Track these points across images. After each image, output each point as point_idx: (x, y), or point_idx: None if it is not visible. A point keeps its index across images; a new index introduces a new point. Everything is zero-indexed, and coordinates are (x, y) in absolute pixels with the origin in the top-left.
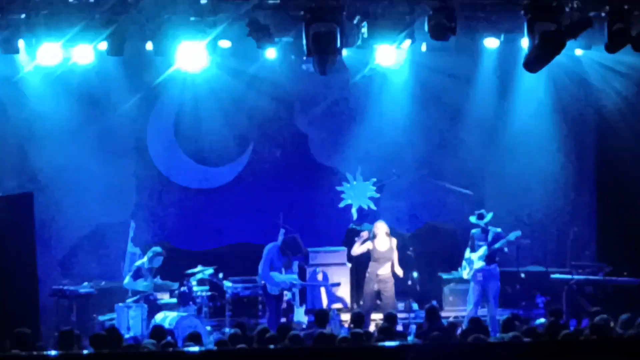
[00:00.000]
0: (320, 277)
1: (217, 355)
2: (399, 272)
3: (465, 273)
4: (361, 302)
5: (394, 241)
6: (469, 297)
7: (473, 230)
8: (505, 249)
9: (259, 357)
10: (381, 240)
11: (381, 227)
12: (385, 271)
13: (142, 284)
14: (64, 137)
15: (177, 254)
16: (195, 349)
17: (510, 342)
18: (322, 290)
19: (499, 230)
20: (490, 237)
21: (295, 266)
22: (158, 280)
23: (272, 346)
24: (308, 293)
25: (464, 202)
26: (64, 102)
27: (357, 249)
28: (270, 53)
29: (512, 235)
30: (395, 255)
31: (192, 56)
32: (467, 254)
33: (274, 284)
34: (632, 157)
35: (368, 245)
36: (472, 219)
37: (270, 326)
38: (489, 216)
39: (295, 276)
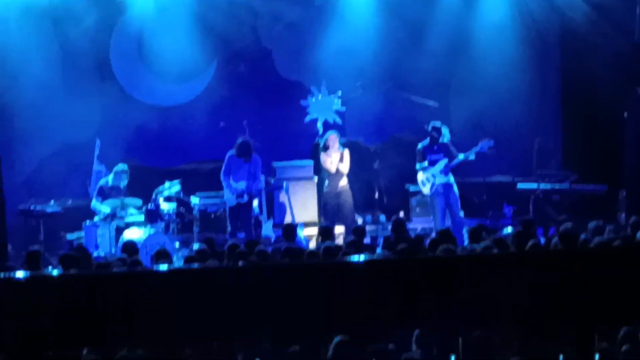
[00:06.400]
0: (285, 186)
1: (185, 273)
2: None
3: (427, 189)
4: (321, 217)
5: (347, 152)
6: (434, 212)
7: (420, 145)
8: (472, 157)
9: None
10: (335, 152)
11: (334, 139)
12: (344, 183)
13: (108, 204)
14: (25, 56)
15: (144, 171)
16: (164, 266)
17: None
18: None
19: (446, 140)
20: (441, 150)
21: (263, 182)
22: (124, 198)
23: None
24: (275, 207)
25: (429, 114)
26: (24, 21)
27: (329, 164)
28: None
29: (485, 145)
30: (344, 163)
31: None
32: (419, 168)
33: (230, 189)
34: (597, 66)
35: (333, 157)
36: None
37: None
38: (445, 131)
39: (245, 183)
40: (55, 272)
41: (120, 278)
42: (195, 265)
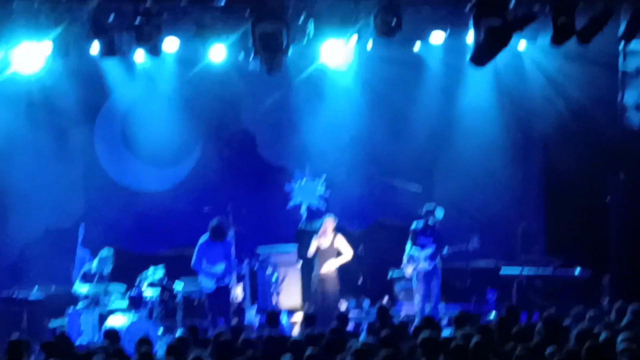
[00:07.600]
0: (269, 271)
1: None
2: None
3: (409, 270)
4: (308, 303)
5: (339, 236)
6: (414, 296)
7: (413, 225)
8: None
9: None
10: (327, 236)
11: (329, 223)
12: (326, 269)
13: (90, 289)
14: (10, 142)
15: (128, 256)
16: None
17: None
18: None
19: (439, 217)
20: (433, 235)
21: (246, 267)
22: (107, 284)
23: None
24: (259, 293)
25: (413, 200)
26: (9, 108)
27: (314, 247)
28: (217, 53)
29: (471, 246)
30: (344, 251)
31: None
32: (409, 249)
33: (207, 275)
34: (579, 152)
35: (315, 243)
36: (430, 220)
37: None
38: (440, 213)
39: (223, 265)
40: None
41: None
42: None
